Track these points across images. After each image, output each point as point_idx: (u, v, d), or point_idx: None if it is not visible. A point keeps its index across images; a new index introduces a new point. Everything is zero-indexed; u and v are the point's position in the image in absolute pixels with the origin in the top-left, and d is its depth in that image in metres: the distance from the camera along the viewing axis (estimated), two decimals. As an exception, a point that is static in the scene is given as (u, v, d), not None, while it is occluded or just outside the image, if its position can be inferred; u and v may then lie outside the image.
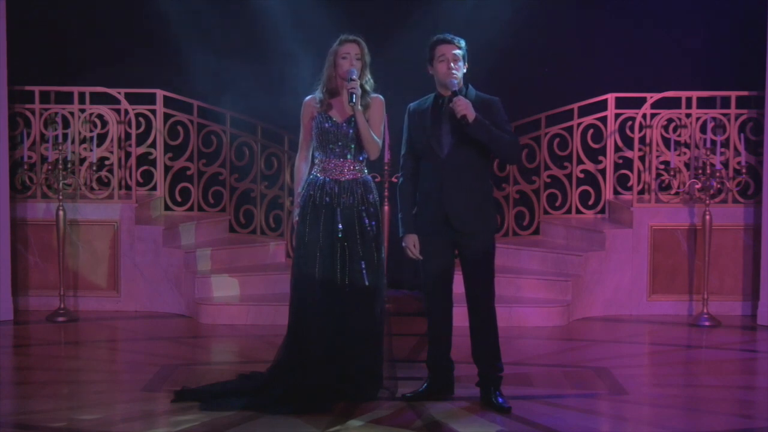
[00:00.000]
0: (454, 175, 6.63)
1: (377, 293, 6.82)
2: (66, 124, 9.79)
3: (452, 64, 6.64)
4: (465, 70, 6.72)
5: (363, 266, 6.79)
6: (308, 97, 6.96)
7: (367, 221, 6.85)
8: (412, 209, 6.78)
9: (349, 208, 6.83)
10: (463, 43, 6.71)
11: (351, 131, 6.82)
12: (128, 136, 9.95)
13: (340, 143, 6.85)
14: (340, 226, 6.81)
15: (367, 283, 6.78)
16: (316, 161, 6.93)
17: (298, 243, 6.88)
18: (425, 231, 6.73)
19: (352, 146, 6.84)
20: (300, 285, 6.83)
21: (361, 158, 6.89)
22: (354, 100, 6.70)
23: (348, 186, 6.86)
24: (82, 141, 9.83)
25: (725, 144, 9.64)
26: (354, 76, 6.74)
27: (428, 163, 6.70)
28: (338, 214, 6.82)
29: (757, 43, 9.40)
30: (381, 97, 6.90)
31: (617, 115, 10.04)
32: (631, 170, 9.90)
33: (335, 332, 6.74)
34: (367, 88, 6.85)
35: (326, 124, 6.84)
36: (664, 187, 9.75)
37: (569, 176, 10.19)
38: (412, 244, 6.76)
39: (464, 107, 6.52)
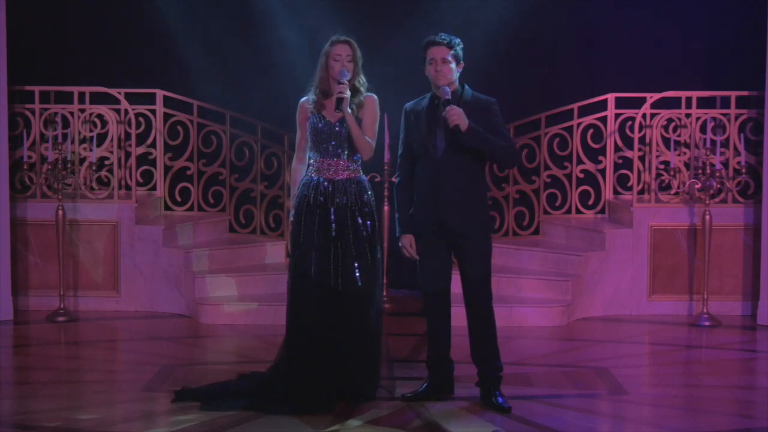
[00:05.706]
0: (450, 175, 6.60)
1: (371, 294, 6.78)
2: (66, 124, 9.79)
3: (440, 67, 6.58)
4: (460, 70, 6.65)
5: (356, 266, 6.76)
6: (303, 99, 6.93)
7: (360, 221, 6.82)
8: (409, 209, 6.75)
9: (342, 207, 6.80)
10: (455, 43, 6.61)
11: (344, 131, 6.77)
12: (128, 136, 9.95)
13: (333, 143, 6.81)
14: (333, 226, 6.80)
15: (359, 284, 6.75)
16: (311, 161, 6.91)
17: (294, 244, 6.87)
18: (422, 231, 6.71)
19: (346, 146, 6.80)
20: (296, 285, 6.81)
21: (355, 158, 6.85)
22: (341, 107, 6.65)
23: (342, 186, 6.83)
24: (82, 141, 9.83)
25: (725, 144, 9.64)
26: (343, 80, 6.68)
27: (424, 163, 6.67)
28: (332, 213, 6.80)
29: (757, 43, 9.40)
30: (374, 96, 6.85)
31: (617, 115, 10.03)
32: (631, 170, 9.90)
33: (332, 332, 6.72)
34: (361, 88, 6.79)
35: (319, 125, 6.82)
36: (664, 187, 9.74)
37: (569, 176, 10.19)
38: (408, 244, 6.75)
39: (456, 117, 6.46)
